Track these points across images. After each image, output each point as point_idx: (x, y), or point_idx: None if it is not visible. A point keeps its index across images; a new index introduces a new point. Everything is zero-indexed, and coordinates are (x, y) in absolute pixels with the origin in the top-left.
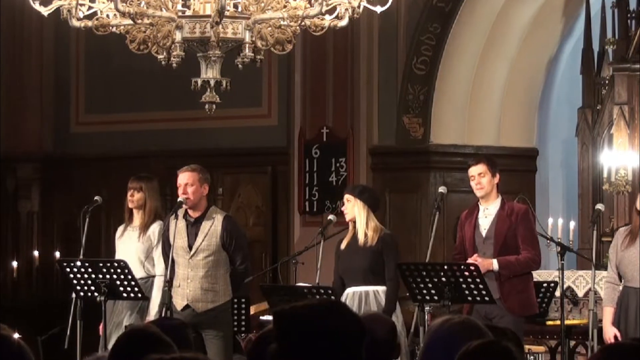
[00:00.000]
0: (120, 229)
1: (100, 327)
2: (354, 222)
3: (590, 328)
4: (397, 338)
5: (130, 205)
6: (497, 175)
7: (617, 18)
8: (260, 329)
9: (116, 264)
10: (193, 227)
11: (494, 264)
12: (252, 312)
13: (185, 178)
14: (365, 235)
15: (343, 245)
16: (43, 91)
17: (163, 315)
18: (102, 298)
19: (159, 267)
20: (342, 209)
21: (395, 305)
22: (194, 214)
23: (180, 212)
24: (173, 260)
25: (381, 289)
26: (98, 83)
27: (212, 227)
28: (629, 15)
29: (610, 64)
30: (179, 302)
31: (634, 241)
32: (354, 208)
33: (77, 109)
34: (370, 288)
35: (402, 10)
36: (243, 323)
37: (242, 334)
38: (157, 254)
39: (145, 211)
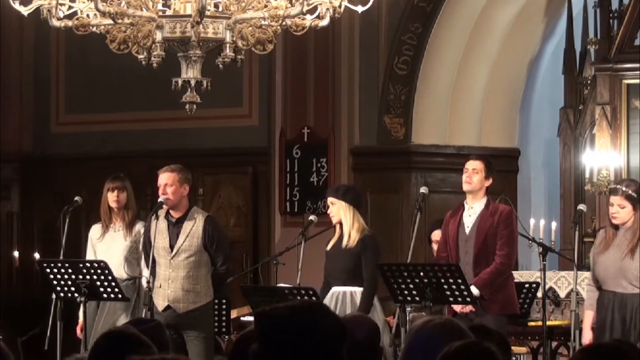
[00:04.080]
0: (98, 229)
1: (79, 328)
2: (340, 224)
3: (572, 329)
4: (380, 341)
5: (114, 205)
6: (490, 180)
7: (599, 18)
8: (241, 330)
9: (96, 265)
10: (174, 228)
11: (474, 290)
12: (233, 315)
13: (165, 178)
14: (350, 236)
15: (329, 247)
16: (23, 91)
17: (144, 315)
18: (82, 299)
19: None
20: (328, 212)
21: (371, 306)
22: (176, 214)
23: (162, 213)
24: (154, 261)
25: (359, 289)
26: (78, 83)
27: (194, 228)
28: (611, 15)
29: (592, 64)
30: (160, 303)
31: (607, 247)
32: (339, 210)
33: (57, 109)
34: (349, 289)
35: (383, 10)
36: (224, 324)
37: (224, 335)
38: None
39: (129, 211)
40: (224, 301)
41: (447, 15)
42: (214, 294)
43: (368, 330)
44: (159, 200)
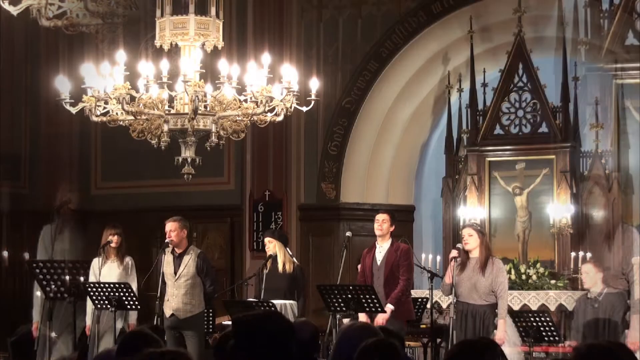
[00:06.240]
0: (98, 261)
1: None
2: (273, 255)
3: (450, 330)
4: (318, 339)
5: (114, 245)
6: (394, 227)
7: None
8: (222, 331)
9: (122, 286)
10: (177, 260)
11: (389, 308)
12: (217, 322)
13: (170, 226)
14: (284, 265)
15: (266, 271)
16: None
17: (155, 321)
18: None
19: (134, 287)
20: (266, 247)
21: (305, 314)
22: (178, 250)
23: (168, 250)
24: (164, 283)
25: (291, 302)
26: (110, 159)
27: (190, 260)
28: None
29: (465, 147)
30: (167, 312)
31: (463, 269)
32: (275, 247)
33: (95, 177)
34: (287, 302)
35: (320, 109)
36: (211, 326)
37: (210, 334)
38: (131, 277)
39: (122, 249)
40: (211, 311)
41: (365, 112)
42: (205, 306)
43: (311, 331)
44: (166, 241)
